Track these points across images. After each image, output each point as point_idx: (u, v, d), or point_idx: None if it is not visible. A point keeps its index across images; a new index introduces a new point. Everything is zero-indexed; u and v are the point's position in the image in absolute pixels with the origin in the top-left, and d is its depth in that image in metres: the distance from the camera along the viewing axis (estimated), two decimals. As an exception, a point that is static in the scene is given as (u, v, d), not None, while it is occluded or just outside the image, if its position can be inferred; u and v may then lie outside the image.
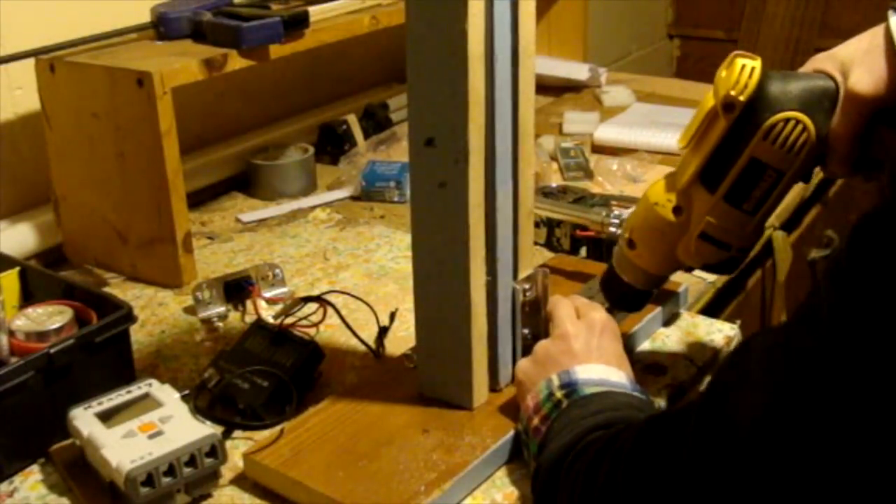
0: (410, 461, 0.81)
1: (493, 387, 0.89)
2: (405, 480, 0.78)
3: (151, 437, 0.80)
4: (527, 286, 0.89)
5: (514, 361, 0.90)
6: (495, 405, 0.88)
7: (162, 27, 1.27)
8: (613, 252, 0.92)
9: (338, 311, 1.05)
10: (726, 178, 0.80)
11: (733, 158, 0.79)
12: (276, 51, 1.27)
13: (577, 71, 1.90)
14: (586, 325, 0.86)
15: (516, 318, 0.89)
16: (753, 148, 0.78)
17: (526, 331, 0.90)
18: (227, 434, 0.89)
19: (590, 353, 0.84)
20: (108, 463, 0.78)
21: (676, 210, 0.84)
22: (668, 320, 1.04)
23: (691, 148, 0.83)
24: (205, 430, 0.81)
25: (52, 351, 0.86)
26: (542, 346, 0.87)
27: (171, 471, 0.78)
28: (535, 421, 0.80)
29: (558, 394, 0.80)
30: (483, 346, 0.86)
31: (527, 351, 0.89)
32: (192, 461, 0.79)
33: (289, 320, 1.04)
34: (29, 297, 1.02)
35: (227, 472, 0.84)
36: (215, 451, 0.80)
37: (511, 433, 0.84)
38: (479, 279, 0.84)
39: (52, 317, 0.94)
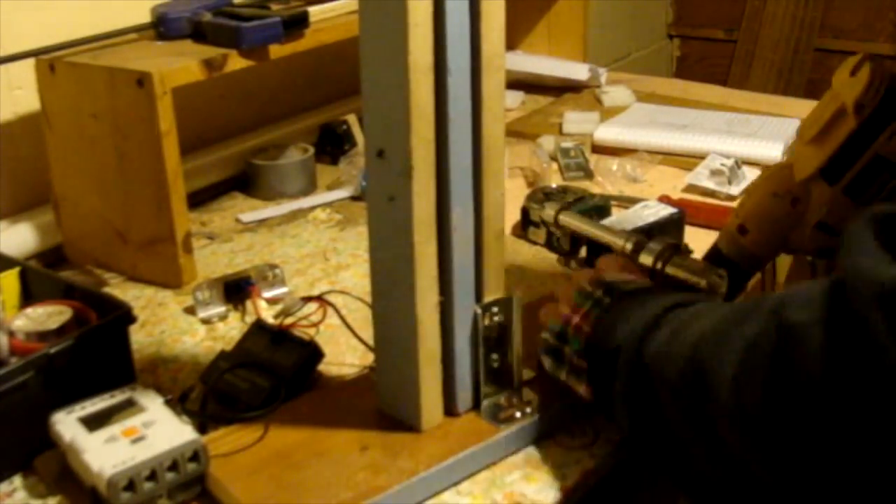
0: (333, 477, 0.79)
1: (451, 410, 0.86)
2: (319, 495, 0.77)
3: (134, 442, 0.80)
4: (494, 310, 0.86)
5: (478, 386, 0.87)
6: (447, 430, 0.85)
7: (162, 27, 1.27)
8: (720, 235, 0.98)
9: (338, 311, 1.05)
10: (848, 172, 0.87)
11: (858, 154, 0.86)
12: (276, 51, 1.27)
13: (577, 71, 1.90)
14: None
15: (478, 342, 0.86)
16: (879, 146, 0.85)
17: (495, 356, 0.87)
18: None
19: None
20: (89, 468, 0.78)
21: (794, 201, 0.90)
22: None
23: (813, 143, 0.89)
24: (188, 435, 0.81)
25: (52, 351, 0.86)
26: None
27: (152, 476, 0.78)
28: (576, 319, 0.83)
29: (597, 293, 0.83)
30: (434, 368, 0.84)
31: (494, 375, 0.87)
32: (174, 466, 0.79)
33: (289, 320, 1.04)
34: (29, 297, 1.02)
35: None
36: (198, 456, 0.80)
37: (450, 461, 0.82)
38: (429, 299, 0.82)
39: (52, 317, 0.94)
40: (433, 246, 0.81)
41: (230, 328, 1.10)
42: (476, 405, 0.88)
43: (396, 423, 0.86)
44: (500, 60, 0.80)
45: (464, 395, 0.87)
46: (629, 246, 1.00)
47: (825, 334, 0.56)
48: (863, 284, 0.54)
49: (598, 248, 1.17)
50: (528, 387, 0.90)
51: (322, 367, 0.99)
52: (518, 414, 0.87)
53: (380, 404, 0.88)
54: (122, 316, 0.92)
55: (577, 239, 1.21)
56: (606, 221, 1.23)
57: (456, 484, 0.83)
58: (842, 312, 0.55)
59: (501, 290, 0.87)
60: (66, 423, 0.83)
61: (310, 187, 1.48)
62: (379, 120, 0.79)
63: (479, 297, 0.86)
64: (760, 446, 0.61)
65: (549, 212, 1.21)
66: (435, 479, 0.81)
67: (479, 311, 0.85)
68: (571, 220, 1.19)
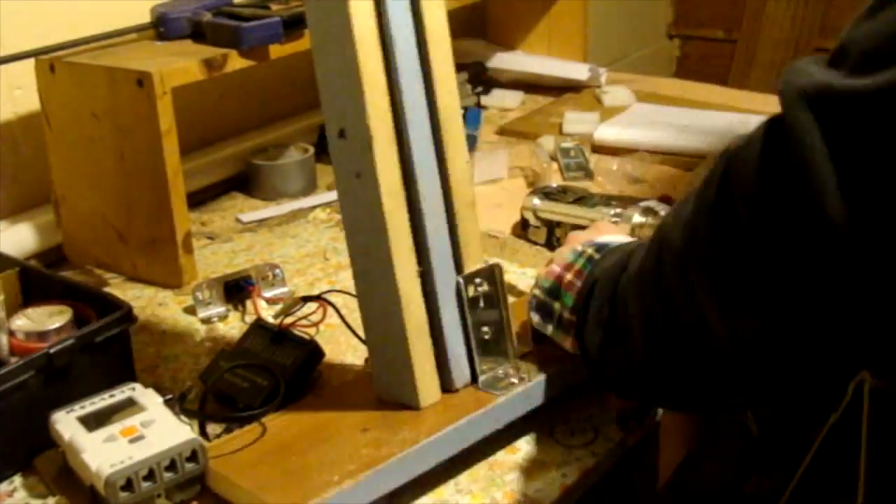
0: (337, 456, 0.80)
1: (447, 386, 0.86)
2: (324, 473, 0.78)
3: (132, 441, 0.80)
4: (477, 280, 0.87)
5: (471, 360, 0.87)
6: (447, 405, 0.85)
7: (162, 27, 1.27)
8: None
9: (338, 311, 1.05)
10: None
11: None
12: (276, 51, 1.27)
13: (577, 71, 1.90)
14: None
15: (465, 314, 0.86)
16: None
17: (486, 328, 0.88)
18: (227, 433, 0.89)
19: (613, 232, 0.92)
20: (87, 467, 0.78)
21: None
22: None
23: None
24: (186, 434, 0.81)
25: (52, 351, 0.86)
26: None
27: (150, 475, 0.78)
28: (568, 276, 0.84)
29: (589, 250, 0.85)
30: (424, 341, 0.84)
31: (488, 348, 0.87)
32: (172, 466, 0.79)
33: (289, 320, 1.04)
34: (29, 297, 1.02)
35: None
36: (196, 456, 0.80)
37: (453, 426, 0.82)
38: (408, 270, 0.83)
39: (52, 317, 0.94)
40: (404, 215, 0.82)
41: (230, 328, 1.10)
42: (473, 381, 0.88)
43: (396, 407, 0.86)
44: (444, 32, 0.83)
45: (459, 372, 0.87)
46: (609, 220, 1.06)
47: (760, 148, 0.58)
48: (790, 87, 0.56)
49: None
50: (525, 359, 0.90)
51: (322, 367, 0.99)
52: (516, 380, 0.87)
53: (377, 391, 0.88)
54: (122, 316, 0.93)
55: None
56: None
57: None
58: (774, 127, 0.57)
59: (481, 260, 0.88)
60: (66, 423, 0.83)
61: (310, 187, 1.48)
62: (335, 101, 0.81)
63: (459, 268, 0.86)
64: (713, 289, 0.63)
65: (527, 205, 1.23)
66: (438, 447, 0.82)
67: (461, 281, 0.86)
68: (549, 207, 1.20)
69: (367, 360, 0.94)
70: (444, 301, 0.85)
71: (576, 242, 0.89)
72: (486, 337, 0.88)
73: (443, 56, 0.83)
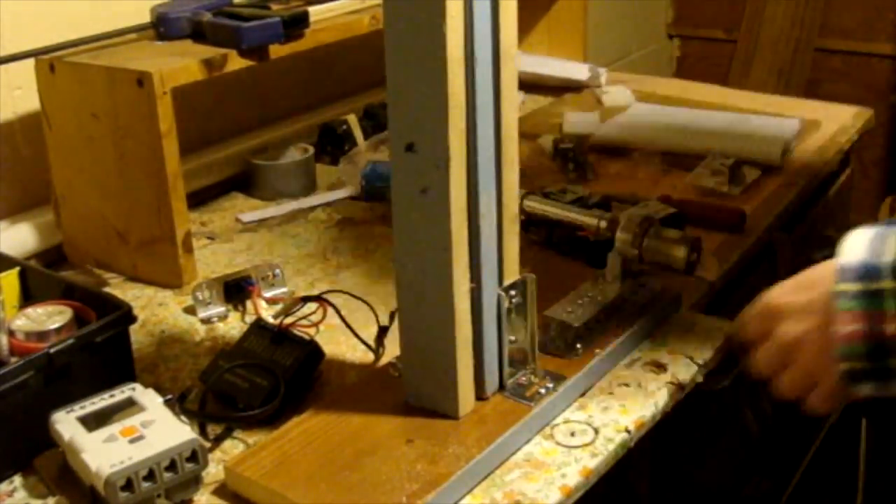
0: (393, 472, 0.80)
1: (480, 395, 0.88)
2: (387, 492, 0.78)
3: (132, 441, 0.80)
4: (513, 293, 0.88)
5: (501, 369, 0.89)
6: (481, 413, 0.87)
7: (162, 27, 1.27)
8: None
9: (338, 311, 1.05)
10: None
11: None
12: (276, 51, 1.27)
13: (577, 71, 1.90)
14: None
15: (502, 325, 0.87)
16: None
17: (512, 338, 0.89)
18: (227, 432, 0.89)
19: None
20: (87, 467, 0.78)
21: None
22: (664, 322, 1.04)
23: None
24: (186, 435, 0.81)
25: (52, 351, 0.86)
26: (773, 295, 0.79)
27: (150, 475, 0.78)
28: (892, 328, 0.69)
29: (874, 285, 0.70)
30: (468, 354, 0.85)
31: (511, 355, 0.89)
32: (172, 466, 0.79)
33: (289, 320, 1.04)
34: (29, 297, 1.02)
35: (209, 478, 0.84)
36: (196, 456, 0.80)
37: (498, 441, 0.83)
38: (463, 286, 0.83)
39: (52, 317, 0.94)
40: (466, 233, 0.82)
41: (230, 328, 1.10)
42: (500, 387, 0.89)
43: (429, 413, 0.87)
44: (514, 50, 0.82)
45: (491, 380, 0.89)
46: (603, 224, 1.03)
47: None
48: None
49: (599, 247, 1.17)
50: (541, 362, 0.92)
51: (322, 367, 0.99)
52: (542, 390, 0.89)
53: (408, 397, 0.88)
54: (122, 316, 0.93)
55: (576, 239, 1.21)
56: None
57: (503, 463, 0.84)
58: None
59: (517, 272, 0.89)
60: (66, 423, 0.83)
61: (310, 187, 1.48)
62: (408, 114, 0.80)
63: (500, 280, 0.87)
64: None
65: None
66: (489, 461, 0.83)
67: (501, 293, 0.87)
68: (538, 205, 1.20)
69: (392, 365, 0.93)
70: (487, 315, 0.86)
71: (813, 289, 0.76)
72: (512, 345, 0.89)
73: (510, 74, 0.83)
